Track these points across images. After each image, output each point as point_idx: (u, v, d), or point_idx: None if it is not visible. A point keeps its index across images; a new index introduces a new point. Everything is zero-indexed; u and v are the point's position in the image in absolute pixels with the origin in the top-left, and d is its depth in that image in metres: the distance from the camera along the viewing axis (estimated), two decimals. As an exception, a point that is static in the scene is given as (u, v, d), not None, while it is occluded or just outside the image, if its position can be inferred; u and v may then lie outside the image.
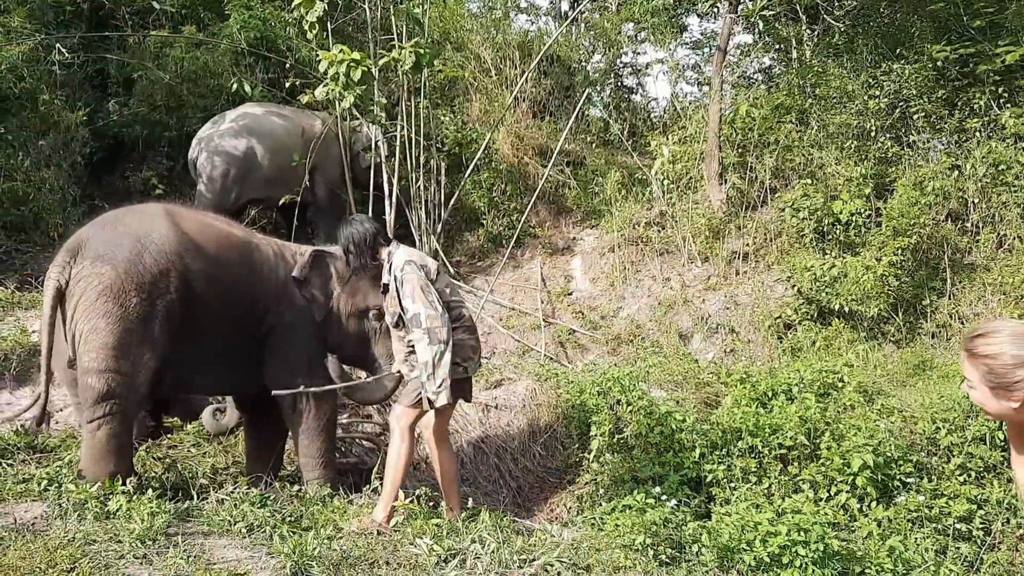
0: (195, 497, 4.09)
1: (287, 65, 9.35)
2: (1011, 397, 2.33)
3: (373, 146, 8.49)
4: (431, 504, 4.35)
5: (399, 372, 4.45)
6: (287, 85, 8.97)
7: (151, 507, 3.66)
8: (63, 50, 8.33)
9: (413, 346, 4.16)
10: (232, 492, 4.17)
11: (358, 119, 8.65)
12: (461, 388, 4.30)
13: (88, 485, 3.82)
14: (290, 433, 4.75)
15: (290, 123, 8.42)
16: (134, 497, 3.77)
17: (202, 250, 4.27)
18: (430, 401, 4.06)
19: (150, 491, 3.85)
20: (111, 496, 3.76)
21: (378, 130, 8.53)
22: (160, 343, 4.05)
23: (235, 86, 8.29)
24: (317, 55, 8.00)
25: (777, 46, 12.24)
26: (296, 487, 4.51)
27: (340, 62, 7.54)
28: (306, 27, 8.00)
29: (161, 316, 4.04)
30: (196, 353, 4.27)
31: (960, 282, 7.96)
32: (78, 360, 3.94)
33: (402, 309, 4.15)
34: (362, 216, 4.65)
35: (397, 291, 4.18)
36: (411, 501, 4.19)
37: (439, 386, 4.00)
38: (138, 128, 9.06)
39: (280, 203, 8.15)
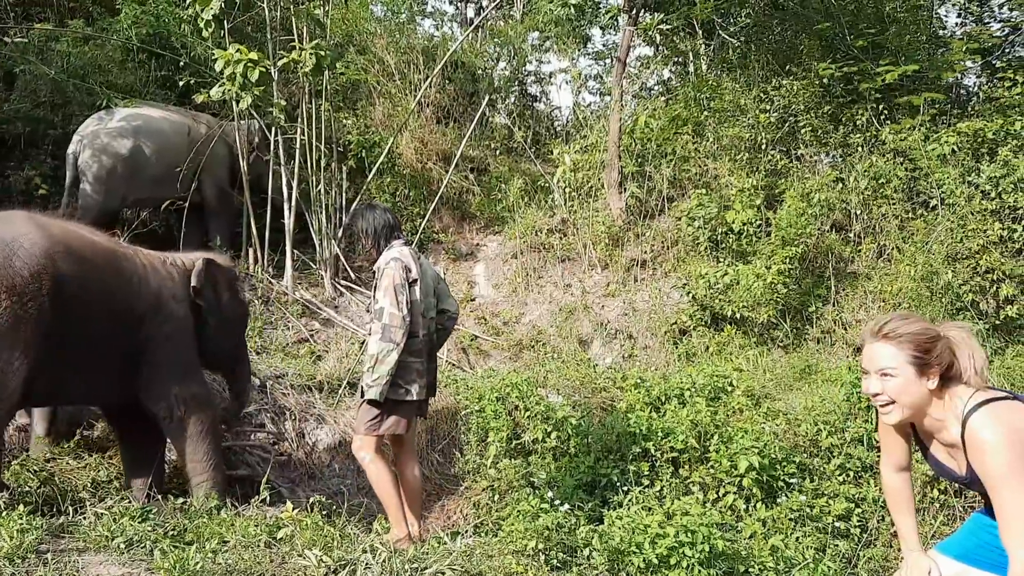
0: (71, 512, 3.91)
1: (181, 63, 9.06)
2: (931, 374, 2.46)
3: (270, 147, 8.32)
4: (324, 513, 4.28)
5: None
6: (181, 84, 8.72)
7: (21, 523, 3.48)
8: (-63, 41, 7.87)
9: None
10: (112, 506, 4.01)
11: (254, 120, 8.44)
12: (407, 411, 4.27)
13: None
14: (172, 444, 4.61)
15: (178, 123, 8.17)
16: (2, 513, 3.58)
17: (73, 255, 4.10)
18: (363, 393, 4.11)
19: (21, 506, 3.65)
20: (-24, 513, 3.57)
21: (256, 127, 8.39)
22: (32, 349, 3.86)
23: (116, 90, 7.99)
24: (213, 54, 7.80)
25: (675, 59, 12.56)
26: (180, 499, 4.37)
27: (237, 62, 7.37)
28: (201, 24, 7.80)
29: (32, 321, 3.85)
30: (68, 361, 4.09)
31: (843, 290, 8.34)
32: None
33: (372, 300, 4.22)
34: (383, 206, 4.58)
35: (376, 282, 4.22)
36: (300, 511, 4.11)
37: (374, 380, 4.04)
38: (20, 125, 8.61)
39: (164, 206, 7.89)
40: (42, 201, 8.05)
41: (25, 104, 8.63)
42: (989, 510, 2.55)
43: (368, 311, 4.39)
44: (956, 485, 5.16)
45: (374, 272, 4.36)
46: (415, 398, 4.26)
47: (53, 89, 8.66)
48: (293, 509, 4.04)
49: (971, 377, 2.46)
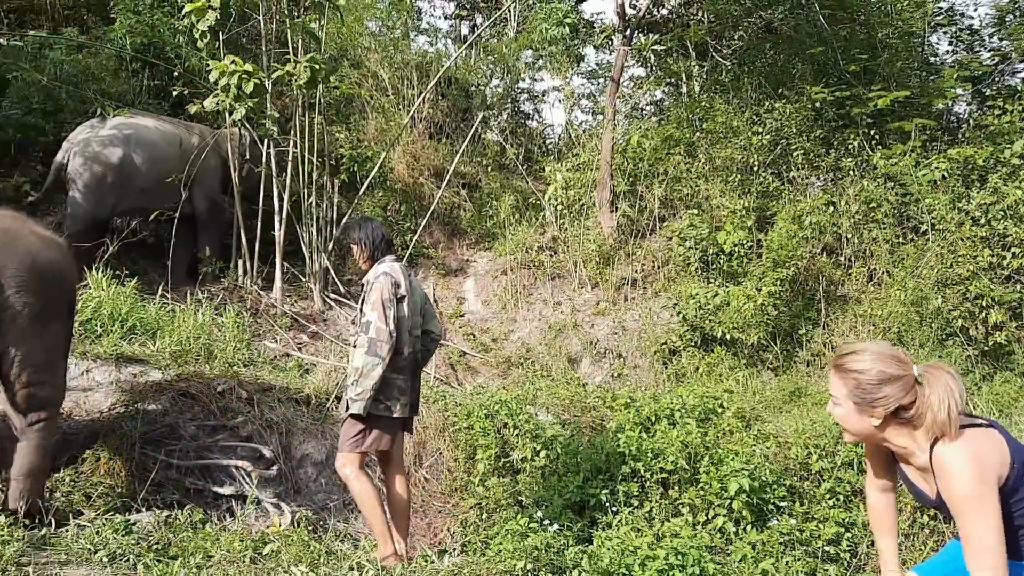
0: (52, 524, 3.84)
1: (175, 73, 9.04)
2: (873, 413, 2.45)
3: (261, 158, 8.30)
4: (310, 529, 4.23)
5: None
6: (174, 94, 8.70)
7: (1, 535, 3.41)
8: (-71, 46, 7.82)
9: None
10: (94, 519, 3.94)
11: (246, 131, 8.42)
12: (389, 427, 4.21)
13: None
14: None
15: (170, 134, 8.14)
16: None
17: None
18: (346, 407, 4.06)
19: (1, 517, 3.59)
20: (-43, 524, 3.50)
21: (248, 138, 8.36)
22: None
23: (109, 98, 7.95)
24: (208, 65, 7.79)
25: (668, 80, 12.64)
26: (165, 513, 4.30)
27: (232, 73, 7.37)
28: (197, 35, 7.79)
29: None
30: None
31: (833, 313, 8.35)
32: None
33: (359, 313, 4.19)
34: (378, 223, 4.55)
35: (364, 295, 4.19)
36: (286, 527, 4.06)
37: (358, 394, 4.00)
38: (10, 131, 8.56)
39: (153, 215, 7.85)
40: (31, 208, 7.99)
41: (17, 111, 8.58)
42: None
43: (354, 323, 4.35)
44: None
45: (362, 285, 4.34)
46: (397, 415, 4.20)
47: (45, 96, 8.63)
48: (280, 525, 3.98)
49: (932, 424, 2.43)
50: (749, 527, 5.16)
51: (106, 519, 3.99)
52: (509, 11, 13.09)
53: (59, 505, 4.24)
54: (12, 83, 8.74)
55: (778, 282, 7.98)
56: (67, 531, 3.81)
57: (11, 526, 3.57)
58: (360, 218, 4.54)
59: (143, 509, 4.41)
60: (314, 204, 8.60)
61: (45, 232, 4.56)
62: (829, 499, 5.53)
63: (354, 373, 4.03)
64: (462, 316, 9.33)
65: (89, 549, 3.58)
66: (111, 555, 3.55)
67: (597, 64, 14.29)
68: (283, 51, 8.43)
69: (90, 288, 6.55)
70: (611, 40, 11.50)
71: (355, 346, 4.14)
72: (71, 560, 3.49)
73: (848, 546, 5.20)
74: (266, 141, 8.34)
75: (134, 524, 3.96)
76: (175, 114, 8.91)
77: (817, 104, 9.52)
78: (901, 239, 8.50)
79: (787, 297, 8.20)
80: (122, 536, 3.74)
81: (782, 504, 5.35)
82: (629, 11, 10.21)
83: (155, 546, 3.72)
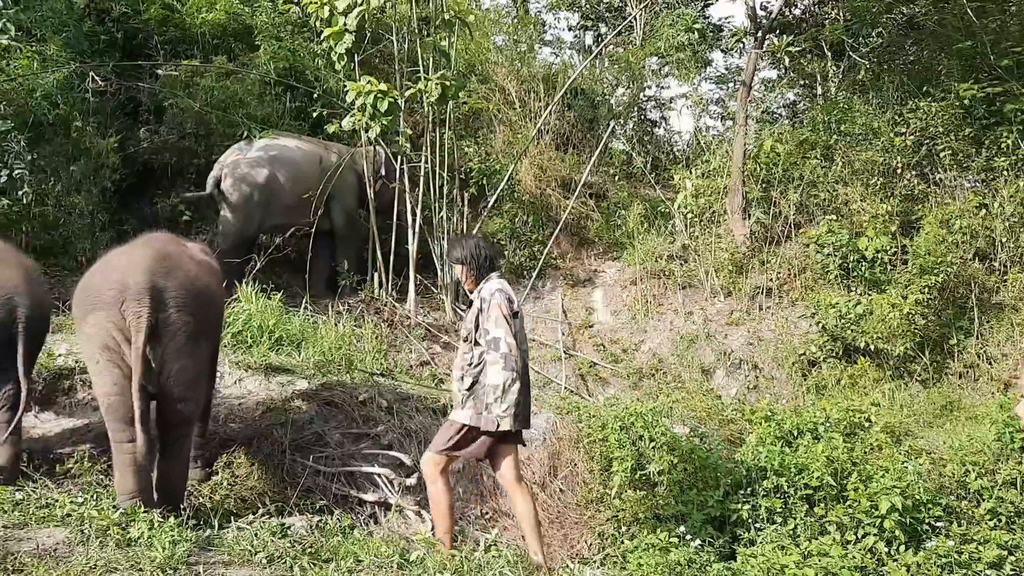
0: (215, 526, 4.06)
1: (314, 95, 9.46)
2: None
3: (395, 174, 8.56)
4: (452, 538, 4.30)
5: None
6: (314, 115, 9.10)
7: (172, 535, 3.64)
8: (97, 78, 8.47)
9: (473, 364, 4.21)
10: (252, 522, 4.15)
11: (380, 149, 8.70)
12: (487, 438, 4.27)
13: (110, 511, 3.82)
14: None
15: (310, 153, 8.51)
16: (155, 525, 3.75)
17: None
18: (496, 425, 4.08)
19: (172, 519, 3.83)
20: (133, 523, 3.75)
21: (383, 155, 8.62)
22: None
23: (254, 121, 8.41)
24: (344, 86, 8.11)
25: (802, 82, 12.25)
26: (316, 518, 4.48)
27: (368, 93, 7.65)
28: (334, 58, 8.13)
29: None
30: None
31: (988, 322, 7.87)
32: None
33: (482, 330, 4.22)
34: (480, 239, 4.70)
35: (480, 311, 4.24)
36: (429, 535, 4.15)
37: (505, 410, 4.05)
38: (167, 155, 9.18)
39: (292, 231, 8.20)
40: (186, 227, 8.54)
41: (172, 136, 9.19)
42: None
43: (464, 340, 4.37)
44: None
45: (470, 302, 4.39)
46: (505, 428, 4.18)
47: (198, 121, 9.20)
48: (423, 532, 4.07)
49: None
50: (902, 548, 4.90)
51: (262, 522, 4.18)
52: (635, 19, 13.01)
53: (218, 507, 4.49)
54: (168, 110, 9.38)
55: (926, 289, 7.60)
56: (228, 532, 4.02)
57: (180, 527, 3.79)
58: (461, 236, 4.61)
59: (295, 513, 4.61)
60: (445, 218, 8.79)
61: (200, 255, 4.89)
62: (990, 520, 5.19)
63: (494, 390, 4.06)
64: (591, 327, 9.31)
65: (249, 551, 3.76)
66: (269, 557, 3.71)
67: (726, 68, 14.01)
68: (414, 69, 8.67)
69: (240, 302, 6.91)
70: (742, 43, 11.24)
71: (473, 363, 4.18)
72: (234, 561, 3.68)
73: (1012, 570, 4.85)
74: (399, 157, 8.60)
75: (288, 528, 4.14)
76: (314, 134, 9.31)
77: (966, 101, 9.01)
78: (1064, 242, 7.93)
79: (936, 305, 7.79)
80: (278, 539, 3.91)
81: (938, 524, 5.05)
82: (760, 13, 9.97)
83: (309, 550, 3.86)
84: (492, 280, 4.36)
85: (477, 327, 4.24)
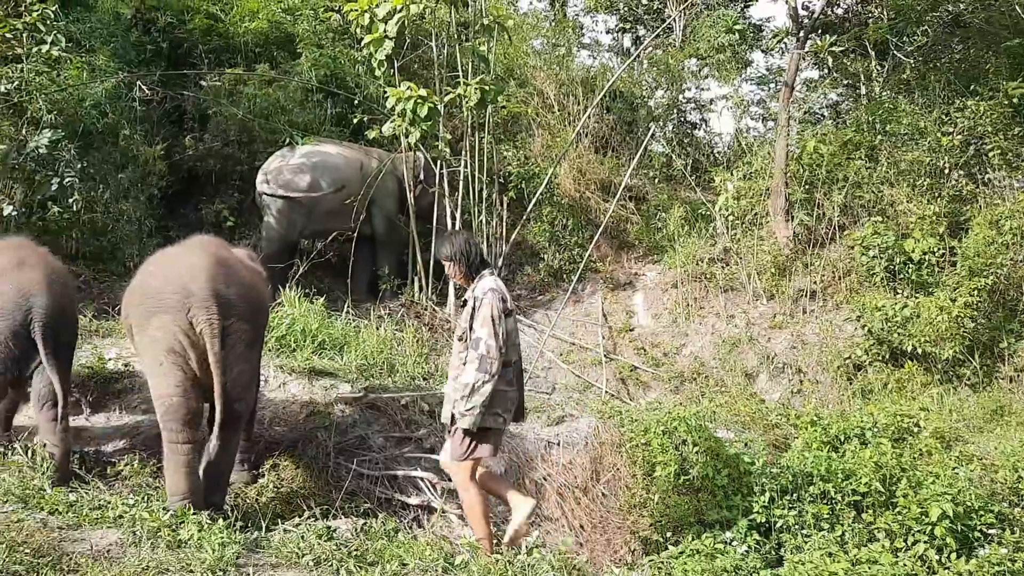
0: (262, 528, 4.11)
1: (355, 102, 9.55)
2: None
3: (435, 179, 8.60)
4: (495, 543, 4.30)
5: None
6: (355, 121, 9.18)
7: (221, 537, 3.69)
8: (144, 87, 8.64)
9: (464, 363, 4.22)
10: (298, 524, 4.19)
11: (420, 153, 8.75)
12: (497, 438, 4.30)
13: (161, 513, 3.89)
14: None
15: (351, 159, 8.59)
16: (205, 527, 3.81)
17: None
18: (452, 419, 4.13)
19: (221, 520, 3.88)
20: (183, 524, 3.81)
21: (422, 160, 8.65)
22: None
23: (296, 128, 8.51)
24: (385, 92, 8.18)
25: (845, 82, 12.08)
26: (361, 521, 4.51)
27: (407, 98, 7.70)
28: (375, 64, 8.20)
29: None
30: None
31: (1041, 325, 7.68)
32: None
33: (470, 328, 4.24)
34: (470, 235, 4.74)
35: (473, 310, 4.26)
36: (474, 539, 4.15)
37: (467, 409, 4.07)
38: (211, 162, 9.33)
39: (333, 236, 8.26)
40: (230, 232, 8.66)
41: (216, 143, 9.34)
42: None
43: (460, 339, 4.39)
44: None
45: (465, 301, 4.39)
46: (505, 426, 4.27)
47: (241, 128, 9.34)
48: (468, 537, 4.08)
49: None
50: (953, 556, 4.79)
51: (308, 524, 4.22)
52: (674, 21, 12.94)
53: (264, 510, 4.54)
54: (212, 118, 9.53)
55: (975, 292, 7.44)
56: (275, 535, 4.07)
57: (228, 528, 3.84)
58: (451, 233, 4.62)
59: (340, 516, 4.64)
60: (484, 221, 8.82)
61: (251, 262, 4.98)
62: (1046, 528, 5.05)
63: (463, 388, 4.09)
64: (631, 330, 9.26)
65: (296, 553, 3.80)
66: (316, 559, 3.75)
67: (767, 69, 13.88)
68: (453, 74, 8.71)
69: (284, 306, 6.99)
70: (784, 44, 11.12)
71: (464, 362, 4.19)
72: (281, 563, 3.72)
73: (1070, 581, 4.73)
74: (439, 162, 8.64)
75: (334, 530, 4.17)
76: (355, 140, 9.40)
77: (1015, 100, 8.80)
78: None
79: (986, 308, 7.63)
80: (324, 541, 3.95)
81: (990, 532, 4.93)
82: (802, 13, 9.86)
83: (354, 552, 3.89)
84: (486, 279, 4.37)
85: (471, 327, 4.25)
